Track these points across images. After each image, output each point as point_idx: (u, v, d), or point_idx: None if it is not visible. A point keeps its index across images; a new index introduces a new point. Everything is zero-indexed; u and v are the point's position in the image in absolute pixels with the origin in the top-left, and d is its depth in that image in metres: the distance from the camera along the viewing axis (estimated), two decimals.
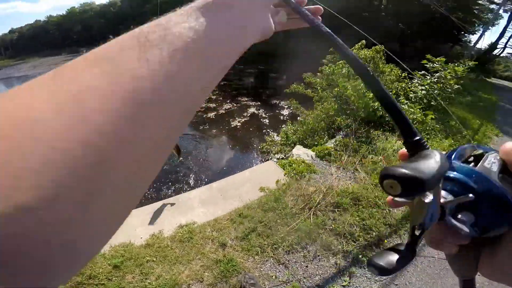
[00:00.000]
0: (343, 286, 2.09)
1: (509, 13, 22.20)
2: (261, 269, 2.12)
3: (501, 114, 9.14)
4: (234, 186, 2.98)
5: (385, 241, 2.47)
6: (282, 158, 3.87)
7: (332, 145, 3.86)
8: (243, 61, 14.30)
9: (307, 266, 2.17)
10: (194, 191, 2.98)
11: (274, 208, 2.59)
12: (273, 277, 2.06)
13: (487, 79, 20.62)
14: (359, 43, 5.23)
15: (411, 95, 6.12)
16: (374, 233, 2.46)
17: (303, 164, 3.26)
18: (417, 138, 0.26)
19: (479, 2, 21.18)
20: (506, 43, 24.17)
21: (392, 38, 16.28)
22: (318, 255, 2.25)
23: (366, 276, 2.18)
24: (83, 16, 42.68)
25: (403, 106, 5.03)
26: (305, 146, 4.23)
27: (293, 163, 3.26)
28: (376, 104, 4.41)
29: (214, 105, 7.61)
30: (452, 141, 4.67)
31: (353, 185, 2.96)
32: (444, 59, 6.38)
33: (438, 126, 4.98)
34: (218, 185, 3.04)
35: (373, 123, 4.50)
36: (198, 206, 2.70)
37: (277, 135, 5.45)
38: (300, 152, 3.74)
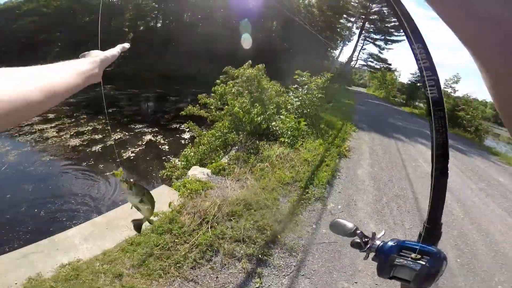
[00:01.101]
0: (257, 287, 2.24)
1: (359, 30, 29.63)
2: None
3: (358, 113, 12.04)
4: (123, 216, 2.87)
5: (279, 236, 2.85)
6: (176, 181, 3.97)
7: (226, 160, 4.25)
8: (137, 85, 13.60)
9: (217, 277, 2.26)
10: (73, 229, 2.68)
11: (170, 229, 2.61)
12: None
13: (348, 88, 26.65)
14: (246, 64, 5.95)
15: (289, 107, 7.33)
16: (268, 232, 2.81)
17: (197, 182, 3.47)
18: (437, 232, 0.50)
19: (341, 21, 27.47)
20: (358, 56, 31.93)
21: (280, 57, 19.09)
22: (225, 264, 2.38)
23: (274, 274, 2.43)
24: None
25: (281, 117, 6.01)
26: (204, 165, 4.47)
27: (187, 183, 3.43)
28: (260, 118, 5.15)
29: (99, 136, 6.83)
30: (322, 141, 5.89)
31: (244, 192, 3.35)
32: (309, 74, 7.96)
33: (310, 130, 6.17)
34: (103, 219, 2.86)
35: (258, 135, 5.18)
36: (80, 243, 2.46)
37: (178, 160, 5.50)
38: (196, 172, 3.94)
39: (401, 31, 0.53)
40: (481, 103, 18.40)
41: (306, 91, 7.50)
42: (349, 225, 0.67)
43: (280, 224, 2.98)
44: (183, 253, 2.40)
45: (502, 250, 3.45)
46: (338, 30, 27.26)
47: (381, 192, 4.54)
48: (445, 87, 21.50)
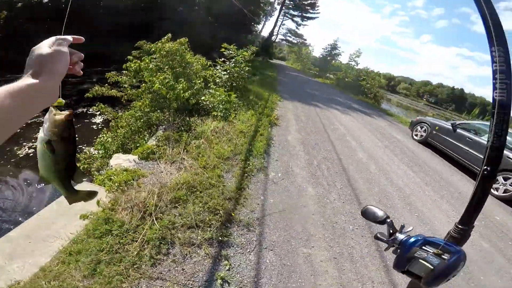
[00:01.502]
0: (228, 269, 2.14)
1: (280, 5, 30.16)
2: None
3: (279, 84, 12.60)
4: (44, 226, 2.23)
5: (233, 214, 2.74)
6: (98, 174, 3.32)
7: (154, 142, 3.76)
8: (19, 68, 10.53)
9: (183, 269, 2.04)
10: None
11: (109, 230, 2.19)
12: None
13: (270, 61, 27.66)
14: (165, 37, 5.23)
15: (217, 80, 7.02)
16: (221, 211, 2.65)
17: (125, 173, 2.96)
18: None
19: None
20: (278, 30, 32.95)
21: (205, 31, 17.83)
22: (186, 254, 2.16)
23: (239, 253, 2.33)
24: None
25: (210, 91, 5.69)
26: (127, 151, 3.86)
27: (112, 175, 2.89)
28: (188, 93, 4.70)
29: None
30: (253, 112, 5.90)
31: (184, 175, 3.05)
32: (235, 47, 7.72)
33: (241, 102, 6.09)
34: (20, 232, 2.16)
35: (188, 112, 4.78)
36: (7, 264, 1.85)
37: (94, 149, 4.61)
38: (119, 160, 3.36)
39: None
40: (377, 74, 22.07)
41: (233, 64, 7.32)
42: (380, 213, 0.68)
43: (230, 201, 2.87)
44: (135, 253, 2.05)
45: (413, 203, 4.18)
46: (262, 5, 27.26)
47: (311, 156, 4.93)
48: (350, 61, 24.79)
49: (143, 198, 2.59)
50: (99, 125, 6.47)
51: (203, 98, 5.33)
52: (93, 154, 4.46)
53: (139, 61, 4.88)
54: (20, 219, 3.25)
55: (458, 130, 6.39)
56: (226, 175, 3.30)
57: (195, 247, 2.26)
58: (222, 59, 7.56)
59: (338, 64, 30.20)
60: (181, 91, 4.56)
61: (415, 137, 8.40)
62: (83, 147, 5.22)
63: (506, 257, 3.25)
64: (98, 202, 2.53)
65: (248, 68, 7.68)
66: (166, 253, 2.14)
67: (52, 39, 0.49)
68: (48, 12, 16.67)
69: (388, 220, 0.65)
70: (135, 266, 1.97)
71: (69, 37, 0.51)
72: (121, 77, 5.05)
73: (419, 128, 8.32)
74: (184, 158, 3.34)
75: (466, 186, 5.45)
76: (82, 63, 0.56)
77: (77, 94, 8.23)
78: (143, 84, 4.50)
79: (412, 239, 0.57)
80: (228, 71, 7.21)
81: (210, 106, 5.25)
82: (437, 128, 7.11)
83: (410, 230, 0.64)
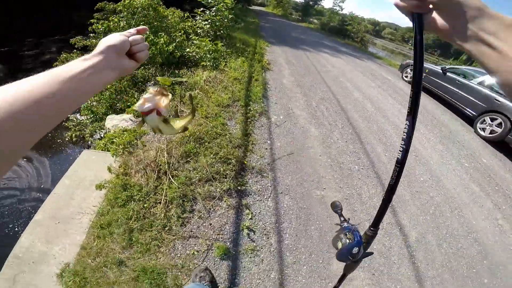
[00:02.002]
0: (250, 218, 2.17)
1: None
2: (174, 255, 1.83)
3: (264, 31, 11.77)
4: (64, 203, 2.15)
5: (245, 162, 2.70)
6: (99, 139, 3.16)
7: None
8: None
9: (210, 224, 2.06)
10: (24, 238, 1.90)
11: (130, 197, 2.13)
12: (193, 253, 1.86)
13: (249, 7, 25.43)
14: None
15: (199, 31, 6.42)
16: (233, 160, 2.60)
17: (125, 133, 2.80)
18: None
19: None
20: None
21: None
22: (209, 208, 2.18)
23: (258, 200, 2.36)
24: None
25: (194, 43, 5.23)
26: (119, 112, 3.63)
27: (114, 138, 2.73)
28: (171, 46, 4.30)
29: None
30: (243, 58, 5.54)
31: (188, 128, 2.90)
32: None
33: (229, 50, 5.67)
34: (43, 214, 2.08)
35: (174, 65, 4.44)
36: (48, 249, 1.82)
37: (80, 115, 4.32)
38: (115, 121, 3.17)
39: None
40: (362, 19, 21.31)
41: (214, 13, 6.62)
42: (339, 206, 0.86)
43: (240, 149, 2.81)
44: (162, 215, 2.04)
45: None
46: None
47: (309, 97, 4.82)
48: (333, 6, 23.45)
49: (153, 157, 2.49)
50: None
51: (188, 50, 4.91)
52: (81, 121, 4.21)
53: (107, 21, 4.34)
54: (38, 195, 3.14)
55: (448, 74, 6.56)
56: (230, 123, 3.19)
57: (216, 200, 2.27)
58: (202, 8, 6.84)
59: (321, 9, 28.38)
60: (164, 45, 4.17)
61: (405, 78, 8.49)
62: (68, 116, 4.90)
63: (493, 202, 3.26)
64: (109, 169, 2.42)
65: (231, 15, 7.01)
66: (191, 210, 2.15)
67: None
68: None
69: (339, 211, 0.84)
70: (166, 228, 1.99)
71: (133, 30, 0.53)
72: (89, 41, 4.57)
73: (409, 70, 8.45)
74: (183, 110, 3.17)
75: (456, 125, 5.58)
76: (146, 52, 0.56)
77: (41, 65, 7.44)
78: None
79: (346, 225, 0.74)
80: (209, 20, 6.56)
81: (197, 57, 4.87)
82: (426, 70, 7.30)
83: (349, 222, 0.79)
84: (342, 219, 0.78)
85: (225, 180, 2.42)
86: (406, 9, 0.45)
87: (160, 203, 2.14)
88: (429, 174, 3.49)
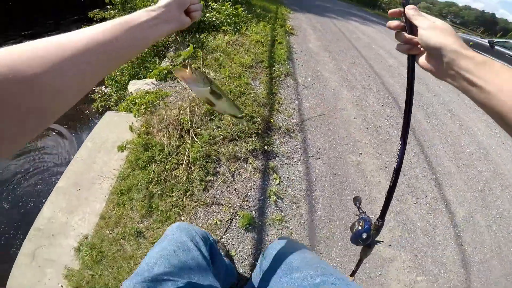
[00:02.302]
0: (278, 184, 2.00)
1: None
2: (196, 224, 1.70)
3: None
4: (86, 168, 2.12)
5: (272, 120, 2.48)
6: (120, 102, 3.11)
7: (168, 63, 3.40)
8: None
9: (235, 189, 1.90)
10: (46, 208, 1.84)
11: (151, 157, 2.02)
12: (216, 222, 1.71)
13: None
14: None
15: None
16: (258, 119, 2.38)
17: (147, 95, 2.70)
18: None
19: None
20: None
21: None
22: (234, 171, 2.00)
23: (286, 164, 2.16)
24: None
25: (214, 8, 4.96)
26: (141, 79, 3.56)
27: (136, 99, 2.64)
28: None
29: None
30: (265, 23, 5.19)
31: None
32: None
33: (250, 15, 5.34)
34: (66, 180, 2.05)
35: (195, 30, 4.23)
36: (68, 219, 1.79)
37: (105, 87, 4.33)
38: (137, 86, 3.08)
39: None
40: None
41: None
42: (359, 200, 0.97)
43: (265, 108, 2.60)
44: (184, 178, 1.90)
45: (454, 110, 3.84)
46: None
47: (338, 61, 4.43)
48: None
49: (175, 115, 2.36)
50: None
51: (207, 15, 4.67)
52: (106, 92, 4.22)
53: None
54: (65, 162, 3.22)
55: (497, 47, 6.14)
56: (254, 83, 2.98)
57: (241, 161, 2.08)
58: None
59: None
60: None
61: None
62: (94, 89, 4.96)
63: None
64: (130, 127, 2.36)
65: None
66: (214, 173, 1.98)
67: None
68: None
69: (358, 204, 0.94)
70: (188, 193, 1.84)
71: None
72: (107, 13, 4.46)
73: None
74: (206, 71, 3.00)
75: None
76: (200, 12, 0.62)
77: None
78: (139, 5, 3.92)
79: (362, 216, 0.84)
80: None
81: (217, 22, 4.62)
82: (471, 43, 6.69)
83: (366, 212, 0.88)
84: (360, 211, 0.89)
85: (250, 139, 2.24)
86: (402, 52, 0.57)
87: (182, 164, 2.01)
88: (476, 145, 3.09)
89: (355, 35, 6.84)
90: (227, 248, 1.61)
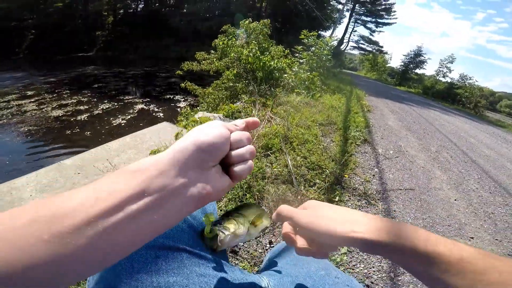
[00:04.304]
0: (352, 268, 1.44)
1: (349, 12, 28.87)
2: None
3: (360, 86, 11.39)
4: (102, 157, 1.96)
5: (346, 175, 2.04)
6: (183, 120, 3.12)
7: (240, 104, 3.38)
8: (123, 65, 12.41)
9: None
10: (24, 178, 1.65)
11: None
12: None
13: (341, 70, 26.07)
14: (248, 19, 5.13)
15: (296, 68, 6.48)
16: (326, 170, 1.97)
17: (208, 118, 2.61)
18: None
19: (331, 3, 26.70)
20: (349, 37, 31.30)
21: (270, 36, 18.34)
22: None
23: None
24: None
25: (294, 69, 5.17)
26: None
27: (195, 120, 2.56)
28: (273, 63, 4.31)
29: (85, 106, 5.80)
30: (340, 96, 5.09)
31: (275, 127, 2.45)
32: (316, 33, 7.15)
33: (325, 87, 5.37)
34: (74, 161, 1.90)
35: (272, 83, 4.34)
36: (31, 196, 1.55)
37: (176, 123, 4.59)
38: (204, 115, 3.08)
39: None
40: (477, 88, 18.06)
41: (312, 53, 6.70)
42: None
43: (336, 164, 2.14)
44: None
45: None
46: (328, 11, 26.27)
47: (424, 142, 3.80)
48: (440, 67, 21.47)
49: None
50: (183, 109, 6.71)
51: (285, 75, 4.85)
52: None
53: (226, 39, 4.80)
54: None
55: None
56: (324, 139, 2.60)
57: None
58: (301, 46, 7.07)
59: (421, 76, 26.35)
60: (267, 62, 4.21)
61: None
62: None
63: None
64: (176, 135, 2.22)
65: (329, 57, 6.95)
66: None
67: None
68: (142, 19, 19.64)
69: None
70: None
71: (240, 122, 0.33)
72: (209, 55, 5.09)
73: None
74: (272, 117, 2.81)
75: None
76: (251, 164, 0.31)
77: (166, 85, 8.98)
78: (232, 54, 4.32)
79: None
80: (307, 59, 6.62)
81: (292, 84, 4.72)
82: None
83: None
84: None
85: (311, 189, 1.76)
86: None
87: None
88: None
89: (438, 122, 6.17)
90: None
